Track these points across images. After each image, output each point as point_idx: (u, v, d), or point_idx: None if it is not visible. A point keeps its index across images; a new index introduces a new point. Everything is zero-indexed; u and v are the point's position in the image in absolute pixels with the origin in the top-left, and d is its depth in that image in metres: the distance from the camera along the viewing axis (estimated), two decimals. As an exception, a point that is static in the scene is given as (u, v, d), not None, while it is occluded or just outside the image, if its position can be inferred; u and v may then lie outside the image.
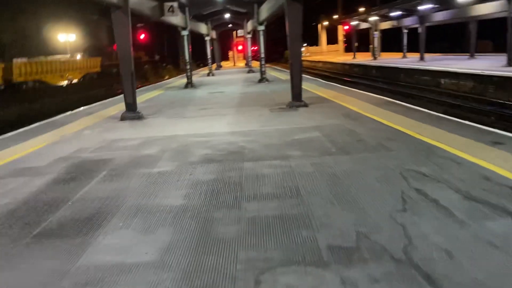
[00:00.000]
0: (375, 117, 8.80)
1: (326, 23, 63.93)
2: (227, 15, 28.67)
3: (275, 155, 6.27)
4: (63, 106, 19.66)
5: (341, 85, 18.27)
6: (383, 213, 3.93)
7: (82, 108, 13.67)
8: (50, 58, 45.95)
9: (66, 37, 59.47)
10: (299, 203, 4.29)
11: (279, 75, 25.30)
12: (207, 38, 29.53)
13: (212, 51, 31.42)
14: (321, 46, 66.48)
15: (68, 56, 53.94)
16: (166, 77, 41.30)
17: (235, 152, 6.58)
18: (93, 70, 49.20)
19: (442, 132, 7.07)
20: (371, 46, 41.13)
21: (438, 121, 8.01)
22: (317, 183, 4.86)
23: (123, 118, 10.62)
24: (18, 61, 35.31)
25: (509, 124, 10.51)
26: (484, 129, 7.15)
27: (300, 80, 10.99)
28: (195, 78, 26.99)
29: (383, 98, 11.89)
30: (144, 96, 16.69)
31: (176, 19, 18.15)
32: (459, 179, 4.69)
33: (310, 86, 16.60)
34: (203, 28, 27.29)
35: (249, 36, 30.32)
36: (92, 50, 61.78)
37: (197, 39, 31.50)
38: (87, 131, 9.36)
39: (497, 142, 6.17)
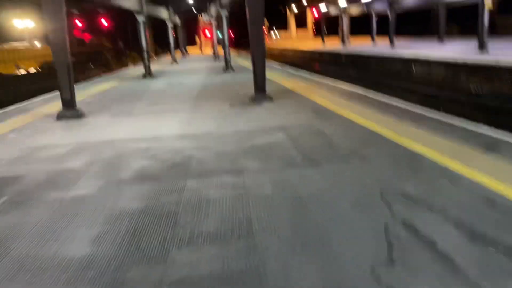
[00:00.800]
0: (347, 115, 7.72)
1: (295, 9, 62.75)
2: (189, -1, 27.07)
3: (228, 168, 5.08)
4: (8, 99, 17.82)
5: (307, 72, 17.19)
6: (363, 266, 2.82)
7: (22, 104, 12.02)
8: (5, 45, 42.98)
9: (23, 23, 56.03)
10: (250, 249, 3.13)
11: (247, 63, 23.98)
12: (170, 25, 27.83)
13: (176, 38, 29.69)
14: (290, 31, 65.36)
15: (25, 43, 50.79)
16: (130, 65, 39.18)
17: (180, 165, 5.35)
18: (51, 59, 46.46)
19: (424, 133, 6.05)
20: (340, 32, 40.31)
21: (418, 119, 7.00)
22: (276, 213, 3.72)
23: (59, 117, 9.17)
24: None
25: (494, 120, 9.67)
26: (472, 130, 6.17)
27: (263, 69, 9.79)
28: (157, 67, 25.39)
29: (355, 92, 10.86)
30: (95, 89, 15.10)
31: (129, 2, 16.54)
32: (457, 205, 3.64)
33: (278, 76, 15.43)
34: (163, 13, 25.55)
35: (214, 21, 28.76)
36: (44, 37, 58.45)
37: (163, 25, 29.80)
38: (12, 134, 7.89)
39: (490, 147, 5.19)
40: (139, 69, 23.73)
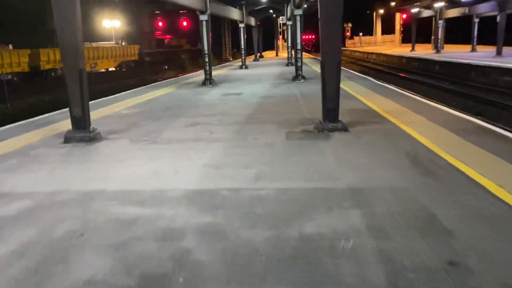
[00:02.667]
0: (473, 174, 4.68)
1: (382, 11, 58.17)
2: (263, -1, 24.77)
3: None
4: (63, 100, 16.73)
5: (398, 86, 13.92)
6: None
7: (46, 114, 10.37)
8: (95, 44, 44.29)
9: (111, 23, 58.12)
10: None
11: (321, 70, 21.09)
12: (241, 25, 25.73)
13: (247, 39, 27.61)
14: (375, 36, 60.80)
15: (113, 43, 52.29)
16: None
17: (157, 280, 2.81)
18: (130, 58, 46.91)
19: None
20: (433, 37, 35.70)
21: None
22: None
23: (67, 139, 7.13)
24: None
25: None
26: None
27: (336, 86, 6.97)
28: (224, 71, 23.45)
29: (468, 119, 7.62)
30: (142, 97, 13.22)
31: (191, 0, 14.52)
32: None
33: (357, 88, 12.43)
34: (234, 13, 23.44)
35: (290, 22, 26.13)
36: (132, 37, 60.02)
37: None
38: (-7, 164, 5.93)
39: None
40: (217, 71, 21.85)
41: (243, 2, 24.94)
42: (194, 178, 4.92)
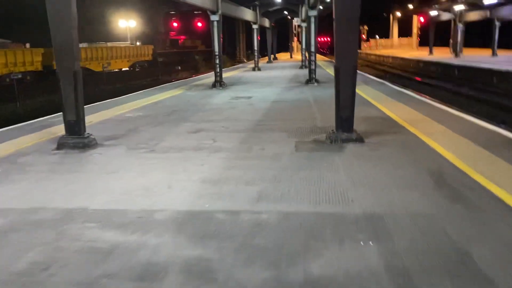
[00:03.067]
0: (504, 194, 4.04)
1: (399, 13, 57.16)
2: (278, -1, 24.19)
3: None
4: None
5: (416, 91, 13.19)
6: None
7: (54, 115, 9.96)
8: (110, 44, 44.32)
9: (126, 23, 58.21)
10: None
11: (336, 73, 20.43)
12: (255, 27, 25.20)
13: (260, 41, 27.08)
14: (392, 38, 59.72)
15: (128, 43, 52.28)
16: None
17: None
18: (144, 59, 46.74)
19: None
20: (451, 41, 34.69)
21: None
22: None
23: (60, 145, 6.65)
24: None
25: None
26: None
27: (352, 97, 6.34)
28: (235, 73, 22.96)
29: (495, 130, 6.94)
30: (149, 99, 12.77)
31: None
32: None
33: (373, 93, 11.78)
34: (247, 14, 22.91)
35: (304, 24, 25.51)
36: (147, 37, 60.01)
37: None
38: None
39: None
40: (230, 73, 21.36)
41: (256, 3, 24.43)
42: (188, 196, 4.37)
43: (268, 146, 6.36)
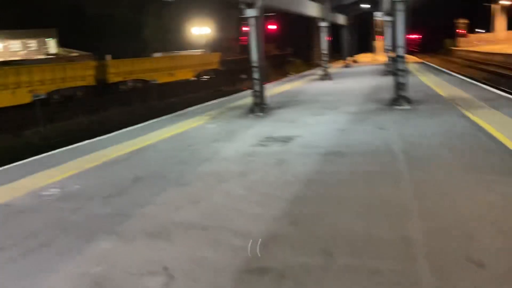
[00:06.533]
0: None
1: (505, 1, 47.77)
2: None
3: None
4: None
5: None
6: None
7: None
8: (182, 53, 41.99)
9: (199, 30, 55.87)
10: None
11: (436, 82, 14.40)
12: (323, 24, 19.87)
13: (332, 41, 21.69)
14: (495, 32, 50.16)
15: (202, 51, 49.63)
16: (290, 75, 32.35)
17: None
18: (209, 67, 43.16)
19: None
20: None
21: None
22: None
23: None
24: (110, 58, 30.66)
25: None
26: None
27: None
28: (298, 85, 17.91)
29: None
30: (136, 142, 8.24)
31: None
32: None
33: (485, 116, 6.11)
34: (309, 8, 17.50)
35: (389, 18, 19.59)
36: (220, 44, 56.89)
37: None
38: None
39: None
40: (273, 88, 16.42)
41: (325, -6, 19.09)
42: None
43: None
